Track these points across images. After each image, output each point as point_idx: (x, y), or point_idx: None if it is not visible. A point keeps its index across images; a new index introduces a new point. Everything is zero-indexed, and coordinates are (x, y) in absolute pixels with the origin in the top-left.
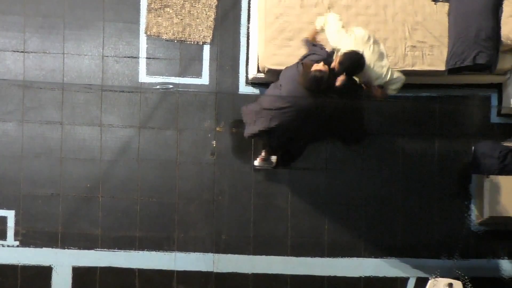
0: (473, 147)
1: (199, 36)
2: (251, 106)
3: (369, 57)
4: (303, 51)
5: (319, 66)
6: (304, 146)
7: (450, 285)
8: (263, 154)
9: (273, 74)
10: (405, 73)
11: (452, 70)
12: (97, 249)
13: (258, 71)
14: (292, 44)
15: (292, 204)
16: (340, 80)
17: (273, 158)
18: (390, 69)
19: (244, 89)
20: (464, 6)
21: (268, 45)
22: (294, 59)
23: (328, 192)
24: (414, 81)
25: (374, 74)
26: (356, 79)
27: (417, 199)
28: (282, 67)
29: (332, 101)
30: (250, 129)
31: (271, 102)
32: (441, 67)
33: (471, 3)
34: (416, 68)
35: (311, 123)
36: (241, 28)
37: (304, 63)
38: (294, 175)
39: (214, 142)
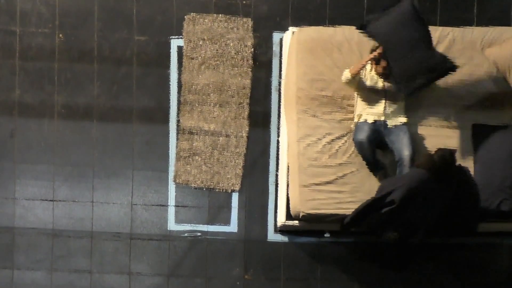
0: None
1: (228, 184)
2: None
3: None
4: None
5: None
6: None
7: None
8: None
9: (308, 220)
10: None
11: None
12: None
13: (287, 218)
14: (328, 188)
15: None
16: None
17: None
18: None
19: (272, 236)
20: (490, 154)
21: (303, 190)
22: (330, 202)
23: None
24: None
25: None
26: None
27: None
28: (319, 211)
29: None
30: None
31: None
32: None
33: (496, 151)
34: None
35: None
36: (270, 175)
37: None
38: None
39: None
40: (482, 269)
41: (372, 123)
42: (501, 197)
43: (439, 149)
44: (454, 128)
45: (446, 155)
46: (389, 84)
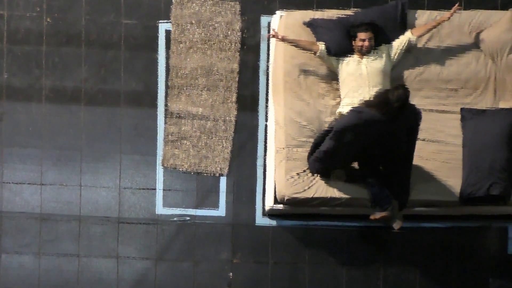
0: (490, 279)
1: (216, 168)
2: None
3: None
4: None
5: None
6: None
7: None
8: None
9: (292, 204)
10: (419, 203)
11: (466, 201)
12: None
13: (275, 202)
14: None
15: None
16: None
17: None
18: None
19: (261, 220)
20: (479, 137)
21: (289, 174)
22: (313, 188)
23: None
24: (429, 212)
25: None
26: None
27: None
28: (303, 195)
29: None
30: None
31: None
32: (455, 197)
33: (486, 135)
34: (429, 197)
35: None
36: (258, 159)
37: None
38: None
39: (230, 274)
40: (470, 252)
41: None
42: (490, 181)
43: (395, 87)
44: (442, 112)
45: (401, 94)
46: (371, 67)
